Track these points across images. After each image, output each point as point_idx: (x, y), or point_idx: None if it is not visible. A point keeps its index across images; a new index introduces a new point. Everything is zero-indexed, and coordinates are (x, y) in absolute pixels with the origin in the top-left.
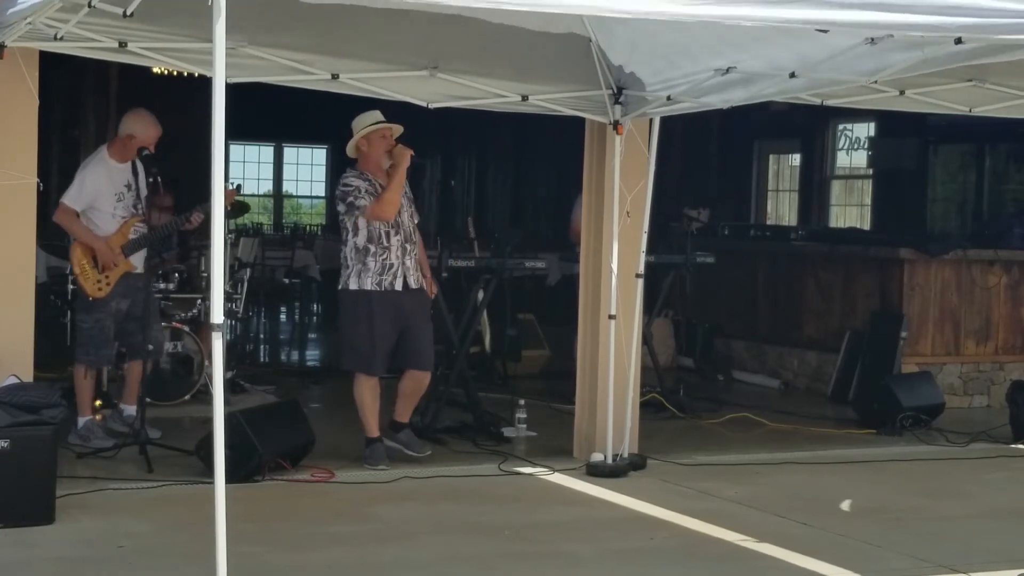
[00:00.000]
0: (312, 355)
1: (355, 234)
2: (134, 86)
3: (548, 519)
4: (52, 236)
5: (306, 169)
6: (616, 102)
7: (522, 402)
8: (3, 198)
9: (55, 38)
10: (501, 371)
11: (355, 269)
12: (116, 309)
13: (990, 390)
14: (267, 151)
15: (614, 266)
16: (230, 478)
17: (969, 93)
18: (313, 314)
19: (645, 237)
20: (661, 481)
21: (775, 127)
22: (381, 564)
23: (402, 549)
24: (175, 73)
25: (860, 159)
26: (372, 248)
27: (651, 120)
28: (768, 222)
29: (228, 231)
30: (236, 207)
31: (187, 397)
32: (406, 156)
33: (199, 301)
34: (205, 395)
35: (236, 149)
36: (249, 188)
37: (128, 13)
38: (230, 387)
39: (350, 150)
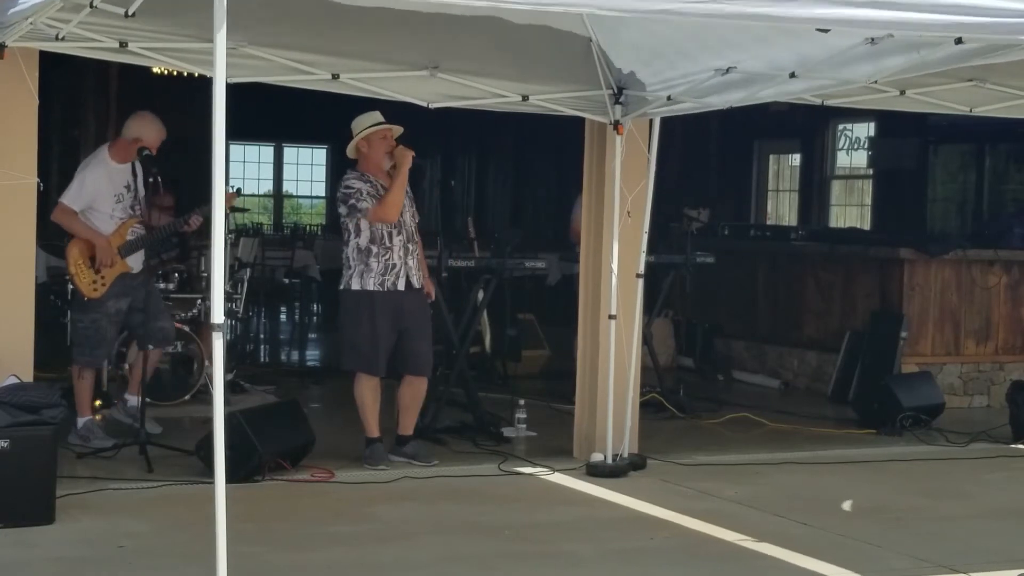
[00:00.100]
0: (312, 355)
1: (357, 235)
2: (134, 86)
3: (548, 519)
4: (52, 236)
5: (306, 169)
6: (616, 102)
7: (522, 402)
8: (3, 198)
9: (56, 38)
10: (501, 371)
11: (357, 269)
12: (115, 309)
13: (990, 390)
14: (267, 151)
15: (614, 266)
16: (230, 478)
17: (970, 93)
18: (313, 314)
19: (646, 237)
20: (661, 481)
21: (775, 127)
22: (381, 564)
23: (402, 549)
24: (175, 73)
25: (860, 159)
26: (375, 249)
27: (651, 120)
28: (768, 222)
29: (228, 231)
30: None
31: (187, 397)
32: (408, 157)
33: (199, 301)
34: (205, 395)
35: (236, 149)
36: (249, 188)
37: (130, 13)
38: (230, 387)
39: (350, 151)
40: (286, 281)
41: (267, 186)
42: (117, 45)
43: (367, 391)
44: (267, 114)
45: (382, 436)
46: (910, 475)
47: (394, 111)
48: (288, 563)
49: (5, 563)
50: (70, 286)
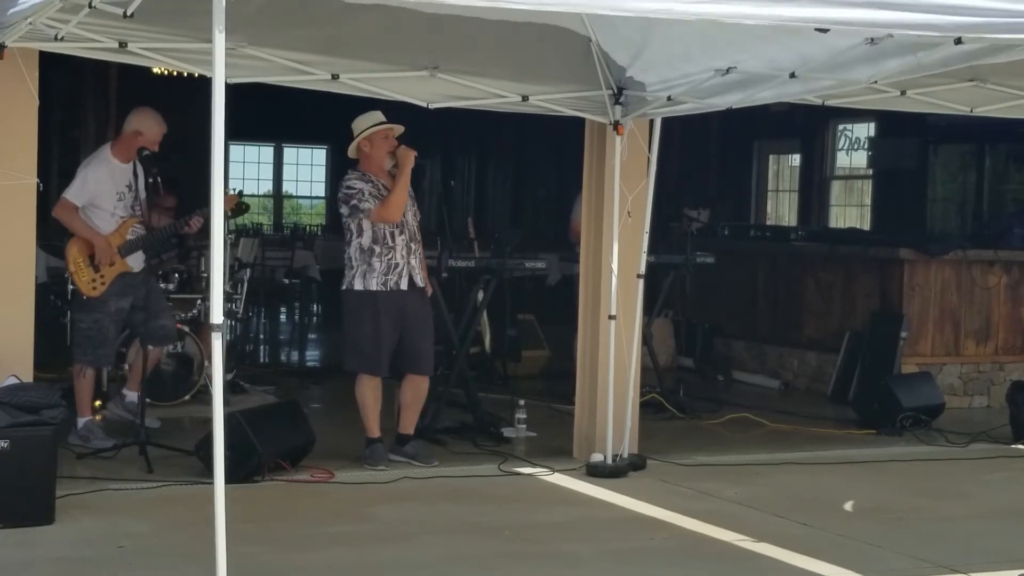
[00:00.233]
0: (312, 355)
1: (359, 235)
2: (134, 86)
3: (548, 519)
4: (52, 236)
5: (306, 169)
6: (616, 102)
7: (522, 402)
8: (3, 198)
9: (55, 38)
10: (501, 371)
11: (360, 270)
12: (116, 309)
13: (990, 390)
14: (267, 151)
15: (614, 266)
16: (230, 478)
17: (970, 93)
18: (313, 314)
19: (646, 237)
20: (661, 481)
21: (775, 127)
22: (381, 564)
23: (402, 549)
24: (175, 73)
25: (860, 159)
26: (377, 249)
27: (652, 120)
28: (768, 222)
29: (228, 231)
30: (236, 207)
31: (187, 397)
32: (411, 157)
33: (199, 301)
34: (205, 395)
35: (236, 149)
36: (249, 188)
37: (128, 14)
38: (230, 387)
39: (352, 151)
40: (286, 281)
41: (267, 186)
42: (116, 45)
43: (368, 391)
44: (267, 114)
45: (382, 436)
46: (910, 475)
47: (394, 111)
48: (288, 563)
49: (5, 563)
50: (70, 286)
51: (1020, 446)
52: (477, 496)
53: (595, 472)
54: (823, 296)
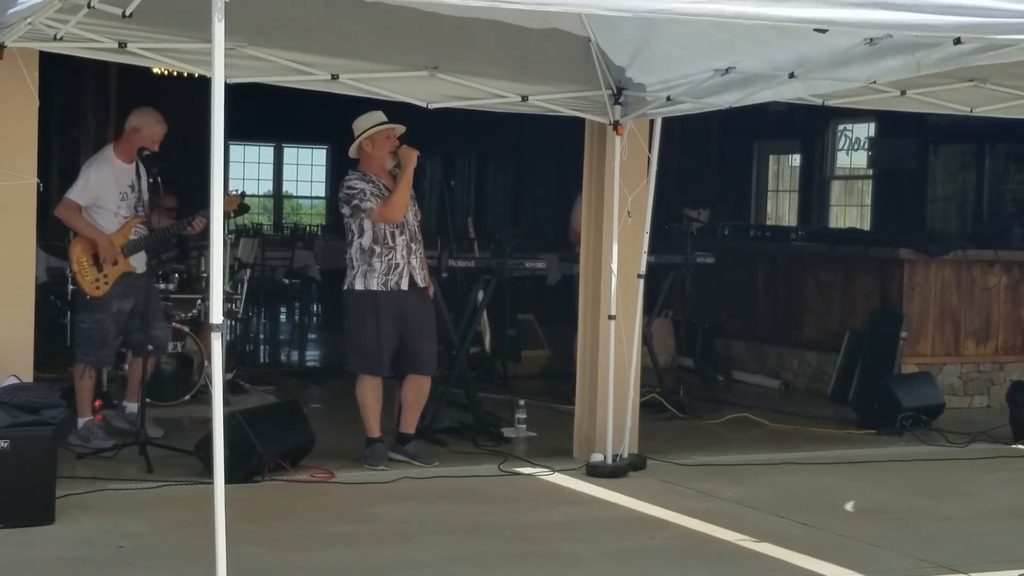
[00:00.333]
0: (312, 355)
1: (360, 235)
2: (134, 86)
3: (548, 519)
4: (52, 236)
5: (306, 169)
6: (616, 102)
7: (522, 402)
8: (3, 198)
9: (55, 38)
10: (501, 371)
11: (360, 270)
12: (117, 309)
13: (990, 390)
14: (267, 151)
15: (614, 266)
16: (230, 478)
17: (970, 93)
18: (313, 314)
19: (646, 237)
20: (661, 481)
21: (775, 127)
22: (381, 564)
23: (402, 549)
24: (175, 73)
25: (860, 159)
26: (378, 249)
27: (652, 120)
28: (768, 222)
29: (228, 231)
30: (238, 207)
31: (187, 397)
32: (413, 157)
33: (199, 301)
34: (205, 395)
35: (236, 149)
36: (249, 188)
37: (127, 14)
38: (230, 387)
39: (353, 151)
40: (286, 281)
41: (267, 186)
42: (116, 45)
43: (369, 391)
44: (267, 114)
45: (383, 436)
46: (910, 475)
47: (394, 111)
48: (288, 563)
49: (5, 563)
50: (71, 286)
51: (1020, 446)
52: (477, 496)
53: (595, 472)
54: (823, 296)
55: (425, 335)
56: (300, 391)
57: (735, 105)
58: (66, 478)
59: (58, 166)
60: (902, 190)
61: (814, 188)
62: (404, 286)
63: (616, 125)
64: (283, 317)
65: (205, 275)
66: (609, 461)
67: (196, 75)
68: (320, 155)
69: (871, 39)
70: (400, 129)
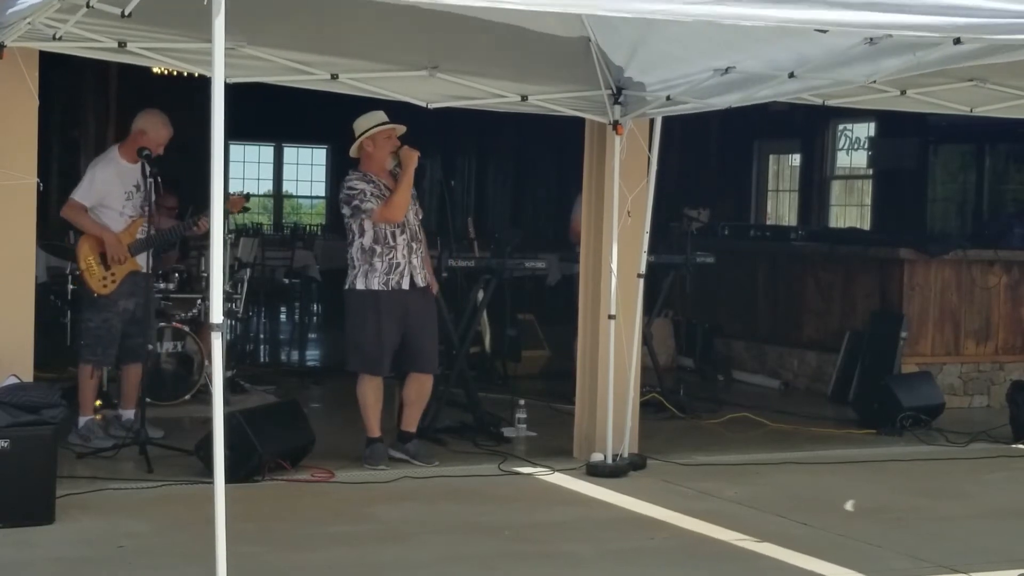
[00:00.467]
0: (312, 355)
1: (361, 235)
2: (134, 86)
3: (548, 519)
4: (52, 236)
5: (306, 169)
6: (616, 102)
7: (522, 402)
8: (3, 198)
9: (54, 38)
10: (501, 371)
11: (362, 269)
12: (124, 308)
13: (990, 390)
14: (267, 151)
15: (614, 266)
16: (230, 478)
17: (970, 93)
18: (313, 314)
19: (647, 237)
20: (661, 481)
21: (775, 127)
22: (381, 564)
23: (402, 549)
24: (175, 73)
25: (860, 159)
26: (379, 248)
27: (652, 120)
28: (768, 222)
29: (228, 231)
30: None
31: (187, 397)
32: (414, 158)
33: (199, 301)
34: (205, 395)
35: (236, 149)
36: (249, 188)
37: (126, 13)
38: (230, 387)
39: (354, 151)
40: (286, 281)
41: (267, 186)
42: (116, 45)
43: (369, 391)
44: (267, 114)
45: (383, 436)
46: (910, 475)
47: (393, 111)
48: (288, 563)
49: (5, 563)
50: (71, 286)
51: (1020, 446)
52: (477, 496)
53: (595, 472)
54: (823, 296)
55: (426, 334)
56: (300, 391)
57: (735, 105)
58: (66, 478)
59: (58, 166)
60: (902, 190)
61: (814, 188)
62: (405, 285)
63: (616, 125)
64: (283, 317)
65: (205, 275)
66: (609, 461)
67: (196, 75)
68: (320, 155)
69: (871, 39)
70: (401, 129)
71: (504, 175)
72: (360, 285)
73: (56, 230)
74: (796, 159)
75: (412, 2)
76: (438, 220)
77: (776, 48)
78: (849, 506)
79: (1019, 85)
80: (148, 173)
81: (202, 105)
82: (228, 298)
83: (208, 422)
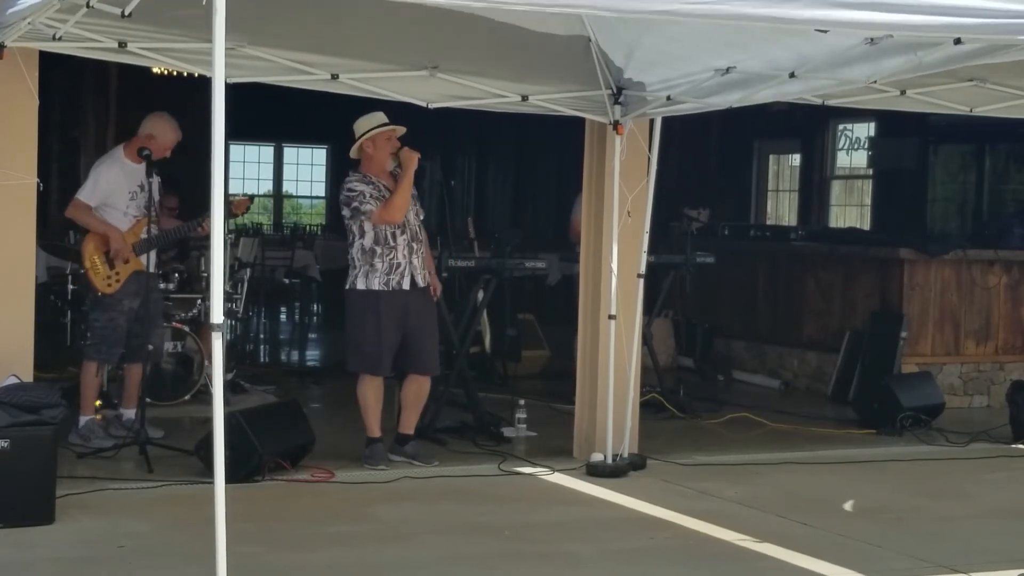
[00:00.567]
0: (312, 355)
1: (362, 236)
2: (134, 86)
3: (548, 519)
4: (52, 236)
5: (306, 169)
6: (616, 102)
7: (522, 402)
8: (3, 198)
9: (54, 38)
10: (501, 371)
11: (362, 270)
12: (129, 307)
13: (990, 390)
14: (267, 151)
15: (614, 266)
16: (230, 478)
17: (970, 93)
18: (313, 314)
19: (647, 237)
20: (661, 481)
21: (775, 127)
22: (381, 564)
23: (402, 549)
24: (175, 73)
25: (860, 159)
26: (379, 249)
27: (652, 120)
28: (768, 222)
29: (228, 231)
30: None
31: (187, 397)
32: (414, 160)
33: (199, 301)
34: (205, 395)
35: (236, 149)
36: (249, 188)
37: (126, 13)
38: (230, 387)
39: (354, 152)
40: (286, 281)
41: (267, 186)
42: (116, 45)
43: (369, 391)
44: (267, 114)
45: (383, 436)
46: (910, 475)
47: (394, 111)
48: (288, 563)
49: (5, 563)
50: (71, 286)
51: (1020, 446)
52: (477, 496)
53: (595, 472)
54: (823, 296)
55: (427, 335)
56: (300, 391)
57: (736, 105)
58: (66, 478)
59: (58, 166)
60: (902, 190)
61: (814, 188)
62: (406, 286)
63: (616, 125)
64: (283, 317)
65: (205, 275)
66: (609, 461)
67: (196, 75)
68: (320, 155)
69: (871, 39)
70: (401, 130)
71: (504, 175)
72: (361, 285)
73: (56, 230)
74: (796, 159)
75: (413, 2)
76: (437, 220)
77: (777, 48)
78: (849, 506)
79: (1019, 85)
80: (149, 173)
81: (202, 105)
82: (228, 298)
83: (208, 422)
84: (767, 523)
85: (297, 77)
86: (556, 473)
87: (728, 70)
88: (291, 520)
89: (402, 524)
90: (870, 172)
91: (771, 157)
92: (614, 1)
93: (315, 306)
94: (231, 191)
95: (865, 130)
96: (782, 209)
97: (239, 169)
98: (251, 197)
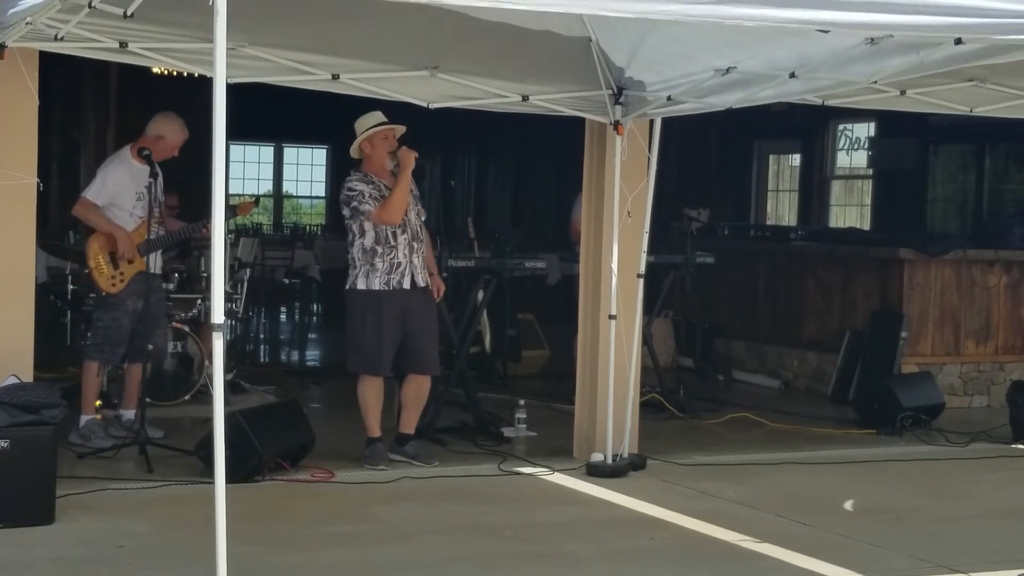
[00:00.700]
0: (312, 355)
1: (362, 236)
2: (134, 86)
3: (548, 519)
4: (52, 236)
5: (306, 169)
6: (616, 102)
7: (522, 402)
8: (3, 198)
9: (55, 38)
10: (501, 371)
11: (363, 270)
12: (133, 308)
13: (990, 390)
14: (267, 151)
15: (614, 266)
16: (230, 478)
17: (970, 93)
18: (313, 314)
19: (646, 237)
20: (661, 481)
21: (775, 127)
22: (381, 564)
23: (402, 549)
24: (175, 73)
25: (860, 159)
26: (379, 249)
27: (652, 120)
28: (768, 222)
29: (228, 231)
30: (230, 209)
31: (187, 397)
32: (411, 159)
33: (199, 301)
34: (205, 395)
35: (236, 149)
36: (249, 188)
37: (128, 14)
38: (230, 387)
39: (354, 151)
40: (286, 281)
41: (267, 186)
42: (117, 45)
43: (370, 391)
44: (267, 114)
45: (383, 436)
46: (910, 475)
47: (394, 111)
48: (288, 563)
49: (5, 563)
50: (71, 286)
51: (1020, 446)
52: (477, 496)
53: (595, 472)
54: (823, 296)
55: (427, 335)
56: (300, 391)
57: (736, 105)
58: (66, 478)
59: (58, 166)
60: (902, 190)
61: (814, 188)
62: (406, 285)
63: (616, 125)
64: (283, 317)
65: (205, 275)
66: (609, 461)
67: (196, 75)
68: (320, 155)
69: (872, 39)
70: (400, 130)
71: (504, 175)
72: (361, 285)
73: (56, 230)
74: (796, 159)
75: (414, 2)
76: (436, 219)
77: (777, 48)
78: (849, 506)
79: (1019, 85)
80: (150, 173)
81: (202, 105)
82: (228, 298)
83: (208, 422)
84: (767, 523)
85: (298, 77)
86: (556, 473)
87: (728, 70)
88: (291, 520)
89: (402, 524)
90: (870, 172)
91: (771, 157)
92: (615, 1)
93: (315, 306)
94: (231, 191)
95: (865, 130)
96: (782, 209)
97: (239, 169)
98: (257, 199)
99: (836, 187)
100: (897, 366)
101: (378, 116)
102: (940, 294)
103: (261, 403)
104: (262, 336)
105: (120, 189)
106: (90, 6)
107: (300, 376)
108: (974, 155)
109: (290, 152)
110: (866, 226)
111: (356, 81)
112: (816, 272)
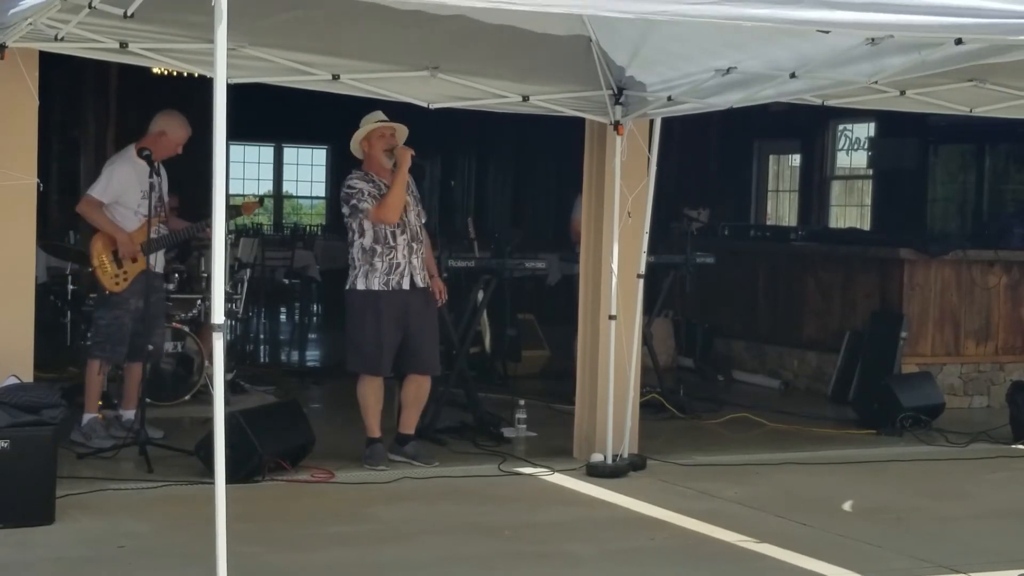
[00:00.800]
0: (312, 355)
1: (361, 235)
2: (134, 86)
3: (548, 519)
4: (52, 236)
5: (306, 169)
6: (617, 103)
7: (522, 402)
8: (3, 198)
9: (56, 39)
10: (501, 371)
11: (362, 269)
12: (135, 307)
13: (990, 390)
14: (267, 151)
15: (614, 266)
16: (230, 478)
17: (970, 93)
18: (313, 314)
19: (646, 237)
20: (661, 481)
21: (775, 127)
22: (381, 564)
23: (402, 549)
24: (174, 73)
25: (860, 159)
26: (379, 248)
27: (652, 120)
28: (768, 222)
29: (228, 231)
30: (234, 209)
31: (187, 397)
32: (407, 157)
33: (199, 301)
34: (205, 395)
35: (236, 149)
36: (249, 188)
37: (128, 14)
38: (230, 387)
39: (355, 151)
40: (286, 281)
41: (267, 186)
42: (117, 46)
43: (370, 391)
44: (267, 114)
45: (383, 436)
46: (910, 475)
47: (395, 112)
48: (288, 563)
49: (5, 563)
50: (71, 286)
51: (1020, 446)
52: (477, 496)
53: (595, 472)
54: (823, 296)
55: (426, 335)
56: (300, 391)
57: (736, 105)
58: (66, 478)
59: (58, 166)
60: (902, 190)
61: (814, 188)
62: (406, 285)
63: (617, 125)
64: (283, 317)
65: (205, 275)
66: (609, 461)
67: (196, 75)
68: (320, 155)
69: (872, 39)
70: (403, 129)
71: (504, 175)
72: (360, 285)
73: (56, 230)
74: (796, 159)
75: (414, 2)
76: (436, 219)
77: (778, 48)
78: (849, 506)
79: (1019, 85)
80: (150, 173)
81: (202, 105)
82: (228, 298)
83: (208, 422)
84: (767, 523)
85: (298, 77)
86: (556, 473)
87: (729, 70)
88: (291, 520)
89: (402, 524)
90: (870, 172)
91: (771, 157)
92: (615, 1)
93: (315, 306)
94: (232, 191)
95: (865, 130)
96: (782, 209)
97: (239, 169)
98: (261, 199)
99: (836, 187)
100: (897, 366)
101: (377, 115)
102: (940, 294)
103: (261, 403)
104: (262, 336)
105: (125, 187)
106: (90, 6)
107: (300, 376)
108: (974, 155)
109: (290, 152)
110: (866, 226)
111: (356, 81)
112: (816, 272)
